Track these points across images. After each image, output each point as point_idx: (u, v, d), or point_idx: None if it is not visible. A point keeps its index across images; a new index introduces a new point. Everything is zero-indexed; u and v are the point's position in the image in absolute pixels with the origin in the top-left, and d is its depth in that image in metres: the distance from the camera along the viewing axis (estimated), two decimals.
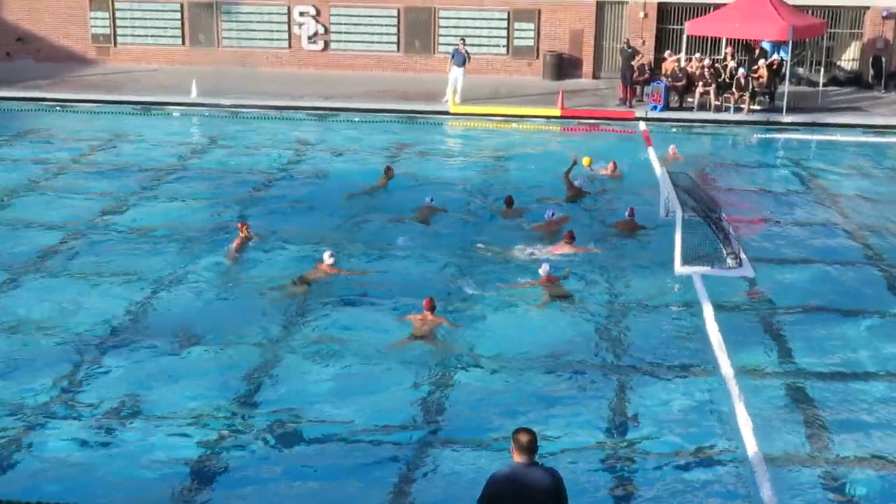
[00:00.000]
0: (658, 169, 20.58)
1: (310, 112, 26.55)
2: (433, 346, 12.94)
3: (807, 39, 29.11)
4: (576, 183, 19.42)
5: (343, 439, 10.86)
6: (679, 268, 15.35)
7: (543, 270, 14.75)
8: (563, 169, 19.84)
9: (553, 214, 17.35)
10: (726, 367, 12.38)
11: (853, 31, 30.47)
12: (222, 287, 14.92)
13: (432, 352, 12.83)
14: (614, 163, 20.86)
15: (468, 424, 11.22)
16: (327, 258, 15.15)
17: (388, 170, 20.23)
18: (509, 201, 18.21)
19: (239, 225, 16.57)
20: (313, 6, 31.08)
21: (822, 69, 29.23)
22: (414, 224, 17.60)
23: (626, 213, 17.60)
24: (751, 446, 10.66)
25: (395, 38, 31.10)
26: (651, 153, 22.66)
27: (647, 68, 27.49)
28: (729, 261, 15.32)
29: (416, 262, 16.00)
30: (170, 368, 12.35)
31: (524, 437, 7.61)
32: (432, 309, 13.38)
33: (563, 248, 15.99)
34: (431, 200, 18.32)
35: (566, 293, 14.58)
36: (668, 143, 23.03)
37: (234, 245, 16.20)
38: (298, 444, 10.80)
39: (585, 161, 20.98)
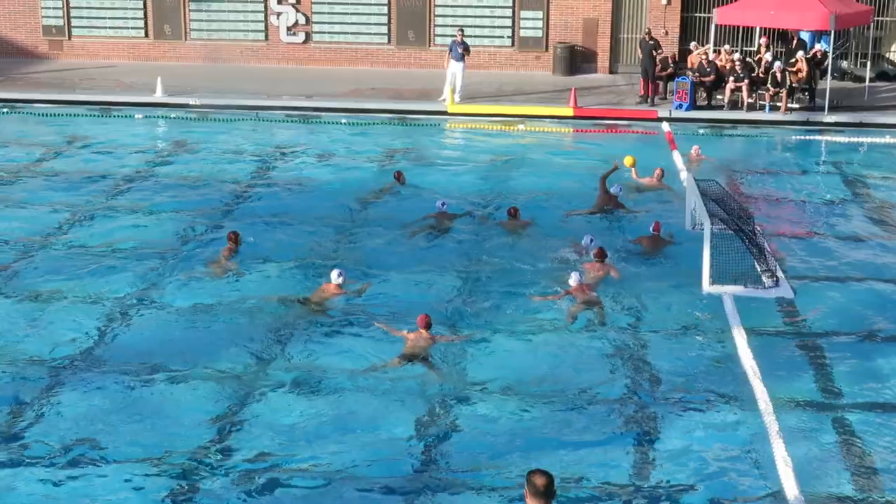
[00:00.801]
0: (684, 176, 20.69)
1: (289, 113, 26.66)
2: (428, 370, 13.09)
3: (851, 29, 29.28)
4: (612, 189, 19.27)
5: (326, 483, 10.90)
6: (708, 287, 15.44)
7: (574, 280, 15.13)
8: (576, 174, 19.85)
9: (591, 242, 16.98)
10: (763, 400, 12.43)
11: None
12: (191, 311, 15.00)
13: (428, 377, 12.98)
14: (661, 169, 20.56)
15: (473, 465, 11.26)
16: (335, 277, 15.14)
17: (399, 175, 20.44)
18: (513, 212, 18.35)
19: (230, 235, 16.77)
20: None
21: (869, 62, 29.33)
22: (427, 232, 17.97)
23: (651, 228, 17.62)
24: (790, 490, 10.71)
25: (385, 29, 31.24)
26: (676, 157, 22.78)
27: (670, 62, 27.62)
28: (764, 279, 15.41)
29: (423, 276, 16.20)
30: (131, 404, 12.39)
31: (540, 481, 7.64)
32: (427, 327, 13.53)
33: (591, 266, 16.06)
34: (444, 205, 18.49)
35: (598, 301, 15.03)
36: (694, 145, 23.12)
37: (222, 254, 16.42)
38: (275, 489, 10.82)
39: (628, 161, 20.52)
